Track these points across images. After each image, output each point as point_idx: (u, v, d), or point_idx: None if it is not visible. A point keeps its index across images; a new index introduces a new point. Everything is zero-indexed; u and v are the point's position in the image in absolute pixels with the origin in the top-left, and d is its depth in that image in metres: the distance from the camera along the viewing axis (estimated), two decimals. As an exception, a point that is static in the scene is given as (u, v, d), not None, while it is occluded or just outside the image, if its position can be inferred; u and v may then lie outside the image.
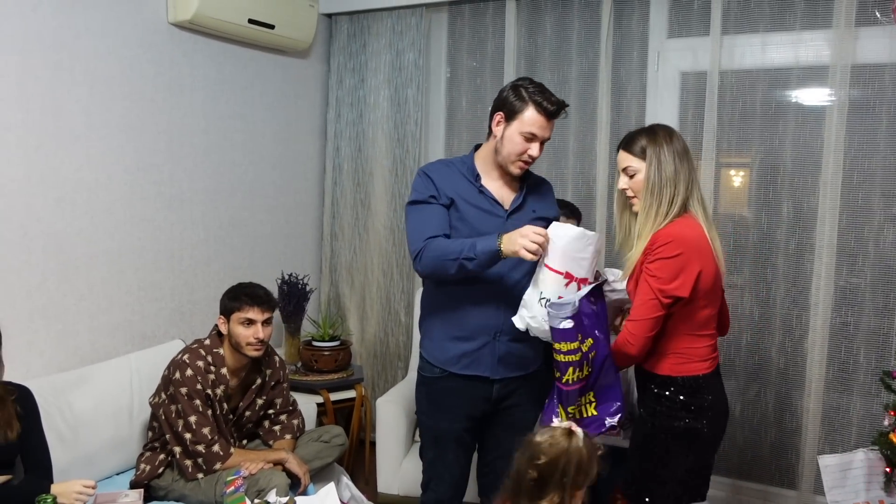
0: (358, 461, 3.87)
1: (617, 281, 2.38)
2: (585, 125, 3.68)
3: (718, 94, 3.31)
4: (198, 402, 2.63)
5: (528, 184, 2.48)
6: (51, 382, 2.66)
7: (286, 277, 3.76)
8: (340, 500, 2.67)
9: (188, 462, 2.63)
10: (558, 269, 2.17)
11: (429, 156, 4.08)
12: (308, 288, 3.79)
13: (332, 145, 4.19)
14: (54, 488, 2.20)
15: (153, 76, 3.24)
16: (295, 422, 2.95)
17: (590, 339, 2.15)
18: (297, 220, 4.10)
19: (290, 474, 2.69)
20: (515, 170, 2.37)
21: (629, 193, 2.24)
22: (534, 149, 2.34)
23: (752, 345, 3.39)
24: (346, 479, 3.06)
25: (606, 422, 2.21)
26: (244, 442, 2.90)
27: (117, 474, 2.79)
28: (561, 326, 2.07)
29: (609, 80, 3.57)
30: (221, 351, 2.77)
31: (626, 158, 2.24)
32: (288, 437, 2.90)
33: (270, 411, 2.93)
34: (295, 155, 4.05)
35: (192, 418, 2.61)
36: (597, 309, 2.20)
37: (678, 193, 2.15)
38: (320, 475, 2.91)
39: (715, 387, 2.23)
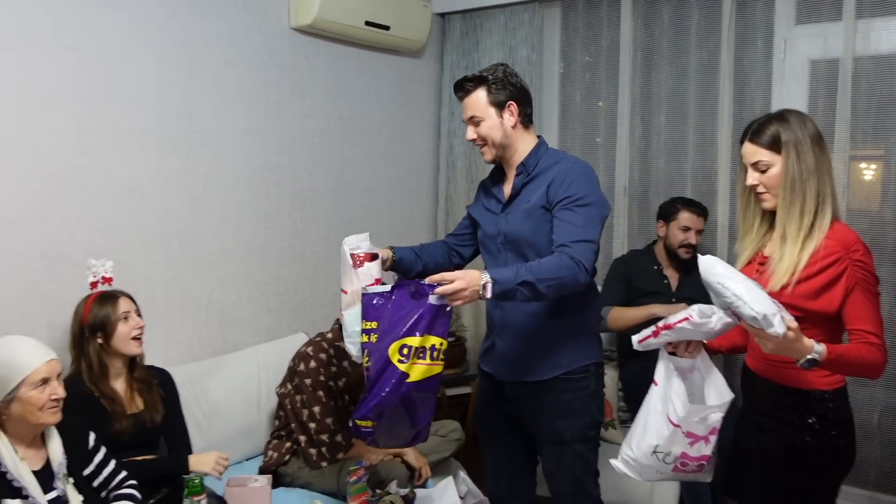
0: (474, 456, 3.89)
1: (709, 318, 1.90)
2: (705, 118, 3.57)
3: (852, 83, 3.13)
4: (321, 392, 2.73)
5: (536, 172, 2.31)
6: (188, 370, 2.83)
7: (401, 273, 3.83)
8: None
9: (312, 451, 2.73)
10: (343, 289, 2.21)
11: (542, 152, 4.05)
12: (423, 284, 3.85)
13: (445, 143, 4.24)
14: (192, 458, 2.36)
15: (277, 80, 3.37)
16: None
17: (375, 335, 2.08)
18: (412, 217, 4.17)
19: (408, 467, 2.75)
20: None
21: (760, 190, 1.98)
22: (469, 132, 2.33)
23: (890, 349, 3.18)
24: (462, 474, 3.09)
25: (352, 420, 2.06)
26: (364, 433, 2.98)
27: (247, 460, 2.93)
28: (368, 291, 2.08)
29: (731, 70, 3.45)
30: (343, 344, 2.85)
31: (755, 151, 1.96)
32: (406, 429, 2.96)
33: (389, 404, 3.00)
34: (409, 153, 4.12)
35: (316, 408, 2.71)
36: (398, 313, 2.05)
37: (825, 185, 1.90)
38: (437, 469, 2.95)
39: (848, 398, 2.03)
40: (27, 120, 2.52)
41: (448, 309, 2.01)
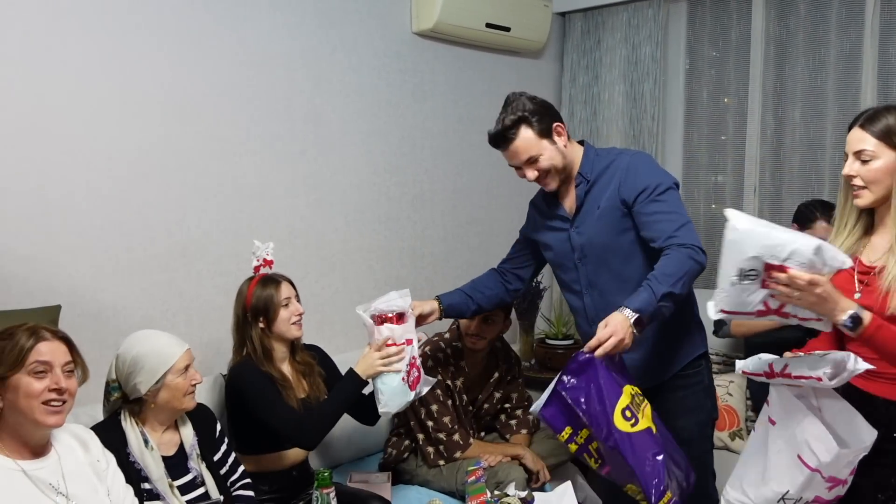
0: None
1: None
2: (846, 114, 3.35)
3: None
4: (439, 392, 2.76)
5: (594, 177, 2.23)
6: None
7: (520, 275, 3.82)
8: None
9: (430, 449, 2.77)
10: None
11: (666, 152, 3.93)
12: (542, 286, 3.82)
13: (564, 144, 4.18)
14: (358, 369, 2.30)
15: (399, 84, 3.44)
16: (530, 417, 2.99)
17: (585, 431, 1.91)
18: (529, 219, 4.14)
19: (526, 469, 2.73)
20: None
21: (857, 183, 1.76)
22: (528, 173, 2.24)
23: None
24: (581, 479, 3.04)
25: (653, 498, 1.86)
26: (482, 434, 2.99)
27: (368, 456, 3.00)
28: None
29: (875, 61, 3.22)
30: (460, 344, 2.87)
31: (862, 139, 1.75)
32: (524, 431, 2.95)
33: (507, 405, 3.00)
34: (528, 154, 4.10)
35: (434, 407, 2.74)
36: (595, 397, 1.90)
37: None
38: (555, 473, 2.92)
39: None
40: (169, 129, 2.69)
41: (616, 359, 2.00)
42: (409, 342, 2.27)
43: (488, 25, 3.60)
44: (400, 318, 2.28)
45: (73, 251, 2.48)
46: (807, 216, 3.08)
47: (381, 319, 2.27)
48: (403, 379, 2.24)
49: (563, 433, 1.93)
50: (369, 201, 3.36)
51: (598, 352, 1.91)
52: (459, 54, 3.69)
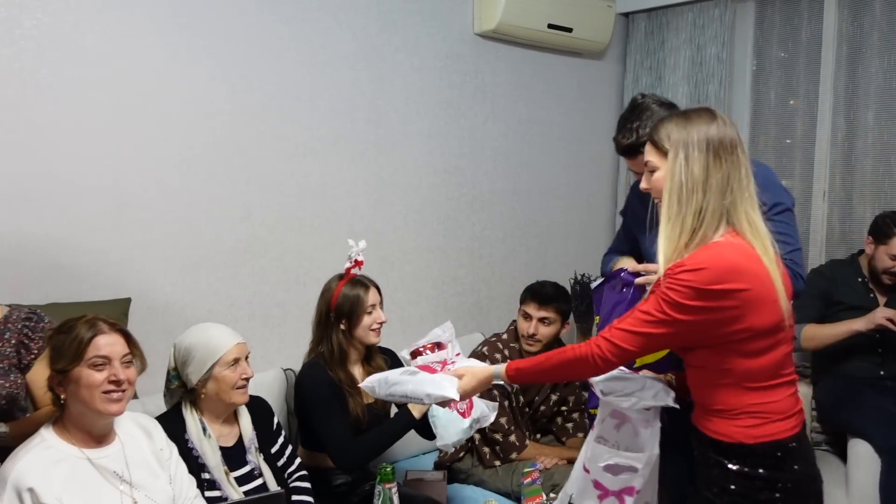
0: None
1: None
2: (923, 116, 3.23)
3: None
4: (495, 392, 2.75)
5: None
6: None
7: (578, 277, 3.79)
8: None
9: (486, 449, 2.77)
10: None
11: (730, 154, 3.85)
12: (600, 289, 3.78)
13: (626, 146, 4.13)
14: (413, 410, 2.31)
15: (459, 85, 3.45)
16: (586, 420, 2.96)
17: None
18: (589, 221, 4.11)
19: (582, 473, 2.71)
20: None
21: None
22: (644, 183, 2.15)
23: None
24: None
25: None
26: (538, 436, 2.98)
27: (424, 454, 3.02)
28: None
29: (955, 62, 3.10)
30: (517, 345, 2.87)
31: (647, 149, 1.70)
32: (580, 435, 2.92)
33: (563, 408, 2.98)
34: (589, 156, 4.06)
35: (490, 408, 2.74)
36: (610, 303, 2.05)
37: (707, 202, 1.58)
38: (611, 477, 2.89)
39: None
40: (236, 129, 2.75)
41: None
42: (444, 364, 2.19)
43: (550, 26, 3.58)
44: (437, 346, 2.23)
45: (143, 246, 2.57)
46: (884, 231, 2.92)
47: (415, 354, 2.24)
48: (450, 407, 2.17)
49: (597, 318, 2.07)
50: (428, 202, 3.38)
51: (639, 280, 1.96)
52: (521, 55, 3.69)
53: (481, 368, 1.88)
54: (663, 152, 1.65)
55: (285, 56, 2.87)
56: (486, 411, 2.19)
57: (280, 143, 2.88)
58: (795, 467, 1.56)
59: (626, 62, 4.15)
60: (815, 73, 3.53)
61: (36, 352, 1.91)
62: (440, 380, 1.83)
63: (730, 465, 1.58)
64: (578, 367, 1.67)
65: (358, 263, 2.44)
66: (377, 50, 3.14)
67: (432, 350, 2.23)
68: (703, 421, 1.64)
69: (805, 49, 3.61)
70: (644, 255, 2.33)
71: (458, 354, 2.24)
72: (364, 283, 2.41)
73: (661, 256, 1.61)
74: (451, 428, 2.14)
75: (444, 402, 1.81)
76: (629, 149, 2.10)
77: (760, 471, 1.54)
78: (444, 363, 2.06)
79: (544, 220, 3.86)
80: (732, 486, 1.57)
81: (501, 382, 1.83)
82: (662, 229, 1.63)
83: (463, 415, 2.17)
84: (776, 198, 2.04)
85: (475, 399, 2.19)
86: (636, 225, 2.29)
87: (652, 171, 1.70)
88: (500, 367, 1.78)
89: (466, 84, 3.48)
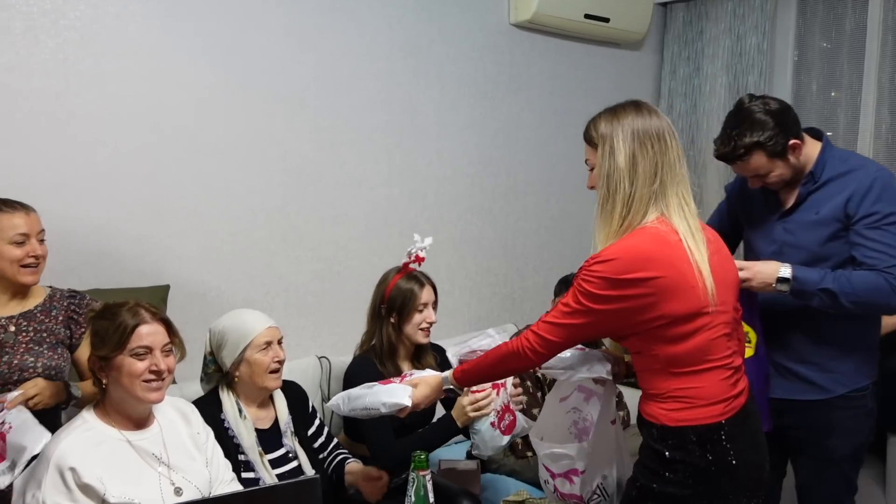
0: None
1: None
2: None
3: None
4: (529, 383, 2.75)
5: (824, 179, 2.06)
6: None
7: (612, 270, 3.76)
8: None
9: (519, 440, 2.77)
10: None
11: (770, 146, 3.79)
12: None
13: (662, 137, 4.09)
14: (454, 413, 2.29)
15: (494, 76, 3.44)
16: (621, 413, 2.94)
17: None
18: (624, 214, 4.07)
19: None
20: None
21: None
22: (752, 182, 2.11)
23: None
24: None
25: None
26: (570, 428, 2.97)
27: (457, 443, 3.02)
28: None
29: None
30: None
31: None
32: (613, 428, 2.91)
33: (596, 401, 2.96)
34: (624, 148, 4.02)
35: (523, 398, 2.73)
36: None
37: (635, 190, 1.63)
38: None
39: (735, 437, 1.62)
40: (273, 119, 2.78)
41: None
42: (496, 387, 2.20)
43: (587, 16, 3.55)
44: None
45: (181, 234, 2.61)
46: None
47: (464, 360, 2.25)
48: (493, 424, 2.19)
49: None
50: (463, 192, 3.38)
51: None
52: (557, 46, 3.66)
53: (433, 376, 1.95)
54: (594, 147, 1.73)
55: (322, 47, 2.88)
56: (525, 427, 2.24)
57: (316, 134, 2.90)
58: (708, 455, 1.58)
59: (663, 52, 4.10)
60: (858, 63, 3.45)
61: (84, 328, 1.98)
62: (395, 389, 1.91)
63: (652, 444, 1.64)
64: (514, 361, 1.72)
65: (418, 259, 2.40)
66: (413, 41, 3.14)
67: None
68: (642, 404, 1.70)
69: (849, 39, 3.53)
70: (746, 245, 2.30)
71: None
72: (420, 279, 2.39)
73: (595, 245, 1.67)
74: (491, 443, 2.19)
75: (400, 409, 1.88)
76: (722, 158, 2.07)
77: (667, 454, 1.59)
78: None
79: (579, 212, 3.83)
80: (649, 464, 1.64)
81: (451, 387, 1.89)
82: (596, 218, 1.69)
83: (504, 432, 2.21)
84: (891, 208, 1.97)
85: (517, 415, 2.25)
86: (745, 217, 2.26)
87: (591, 169, 1.76)
88: (448, 373, 1.87)
89: (502, 75, 3.47)
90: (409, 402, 1.87)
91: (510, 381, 2.24)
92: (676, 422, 1.59)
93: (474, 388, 2.15)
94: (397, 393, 1.89)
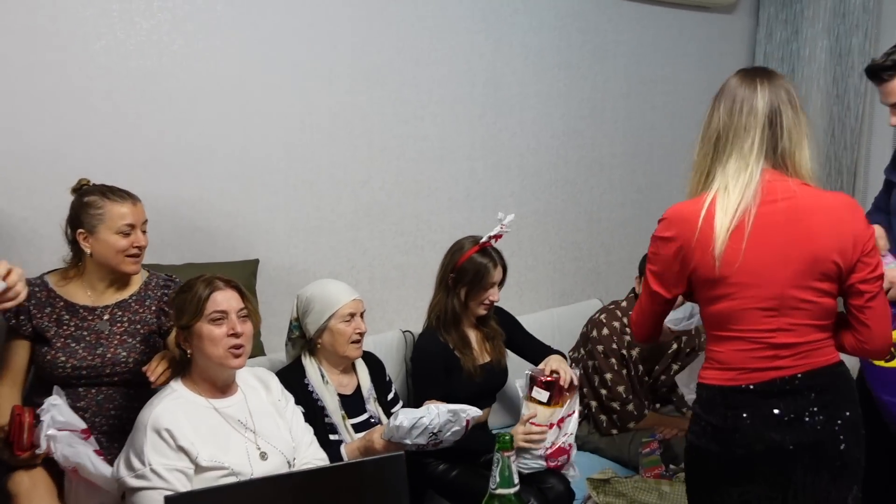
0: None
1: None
2: None
3: None
4: (613, 360, 2.71)
5: None
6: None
7: (702, 244, 3.65)
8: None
9: (603, 417, 2.74)
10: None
11: (875, 113, 3.57)
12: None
13: (756, 105, 3.91)
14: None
15: (580, 45, 3.36)
16: (709, 392, 2.87)
17: None
18: (714, 185, 3.94)
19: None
20: None
21: None
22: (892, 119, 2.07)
23: None
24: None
25: None
26: (657, 406, 2.92)
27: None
28: None
29: None
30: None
31: None
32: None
33: (684, 378, 2.90)
34: (716, 116, 3.88)
35: (608, 375, 2.70)
36: None
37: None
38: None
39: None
40: (357, 92, 2.79)
41: None
42: (552, 425, 2.21)
43: (677, -20, 3.42)
44: (557, 394, 2.22)
45: (270, 209, 2.67)
46: None
47: (533, 381, 2.25)
48: (542, 456, 2.24)
49: None
50: (546, 165, 3.33)
51: None
52: (644, 11, 3.54)
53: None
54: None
55: (404, 20, 2.87)
56: (573, 476, 2.35)
57: (399, 107, 2.90)
58: (710, 416, 1.62)
59: (758, 15, 3.90)
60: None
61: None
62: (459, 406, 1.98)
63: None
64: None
65: (497, 237, 2.40)
66: (496, 12, 3.09)
67: (551, 403, 2.23)
68: None
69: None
70: None
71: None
72: (494, 258, 2.39)
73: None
74: (529, 463, 2.24)
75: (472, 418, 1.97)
76: (872, 70, 2.04)
77: (695, 406, 1.69)
78: (562, 448, 2.25)
79: (665, 185, 3.72)
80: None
81: None
82: None
83: (548, 464, 2.25)
84: None
85: (572, 457, 2.31)
86: None
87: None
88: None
89: (586, 44, 3.38)
90: (477, 412, 1.99)
91: (574, 422, 2.27)
92: (700, 378, 1.68)
93: (534, 420, 2.21)
94: (465, 408, 1.98)
